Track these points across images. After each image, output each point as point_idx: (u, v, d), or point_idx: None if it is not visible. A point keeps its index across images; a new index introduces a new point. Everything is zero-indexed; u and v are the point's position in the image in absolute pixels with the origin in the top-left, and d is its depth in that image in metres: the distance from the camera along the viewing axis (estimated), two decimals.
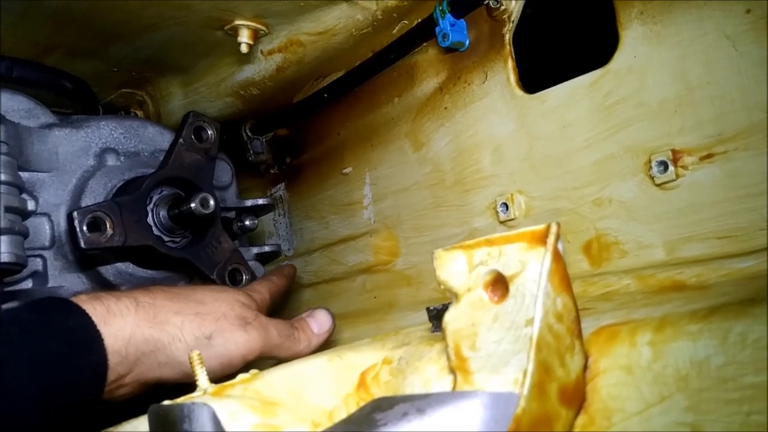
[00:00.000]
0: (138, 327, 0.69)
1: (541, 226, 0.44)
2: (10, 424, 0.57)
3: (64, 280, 0.85)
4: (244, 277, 0.96)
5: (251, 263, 1.01)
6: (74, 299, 0.68)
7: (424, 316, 0.64)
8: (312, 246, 1.13)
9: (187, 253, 0.90)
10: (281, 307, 1.08)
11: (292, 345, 0.81)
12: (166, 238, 0.89)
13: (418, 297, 0.94)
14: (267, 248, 1.08)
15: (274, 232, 1.20)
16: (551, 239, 0.43)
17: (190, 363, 0.56)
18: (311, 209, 1.13)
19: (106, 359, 0.65)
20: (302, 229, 1.15)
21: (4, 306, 0.74)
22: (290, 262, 1.16)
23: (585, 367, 0.44)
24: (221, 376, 0.72)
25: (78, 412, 0.63)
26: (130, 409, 0.61)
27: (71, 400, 0.62)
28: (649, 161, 0.68)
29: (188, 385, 0.56)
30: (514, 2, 0.81)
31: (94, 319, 0.66)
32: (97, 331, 0.65)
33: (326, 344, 0.92)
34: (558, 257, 0.43)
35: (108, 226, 0.80)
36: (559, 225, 0.43)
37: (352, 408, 0.54)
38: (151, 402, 0.48)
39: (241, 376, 0.56)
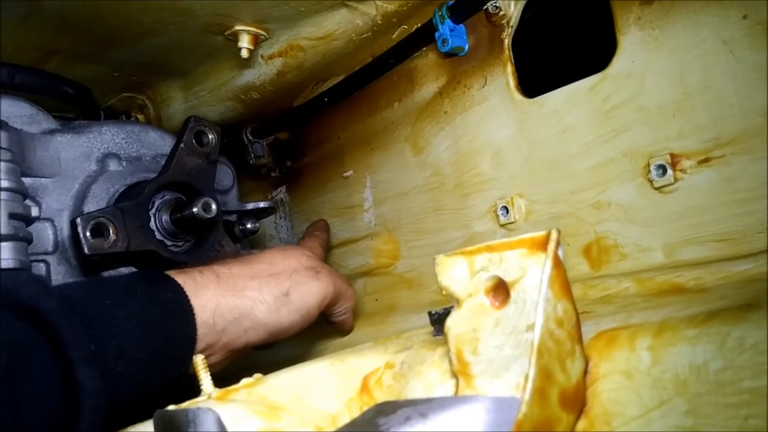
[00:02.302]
0: (222, 297, 0.72)
1: (542, 233, 0.44)
2: (126, 387, 0.60)
3: None
4: None
5: None
6: (168, 273, 0.72)
7: (426, 318, 0.65)
8: None
9: (190, 257, 0.90)
10: None
11: (352, 293, 0.89)
12: (168, 243, 0.90)
13: (419, 300, 0.95)
14: None
15: (275, 235, 1.21)
16: (551, 246, 0.43)
17: (195, 368, 0.57)
18: (312, 212, 1.13)
19: (196, 330, 0.69)
20: (303, 232, 1.15)
21: (106, 273, 0.85)
22: None
23: (585, 372, 0.45)
24: (304, 326, 0.80)
25: (172, 382, 0.66)
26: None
27: (168, 369, 0.66)
28: (648, 165, 0.69)
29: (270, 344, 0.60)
30: (512, 7, 0.82)
31: (186, 291, 0.70)
32: (190, 303, 0.69)
33: (328, 348, 0.93)
34: (558, 263, 0.43)
35: (111, 231, 0.81)
36: (559, 231, 0.44)
37: (356, 412, 0.55)
38: (155, 407, 0.49)
39: (245, 381, 0.57)
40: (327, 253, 1.04)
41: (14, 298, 0.57)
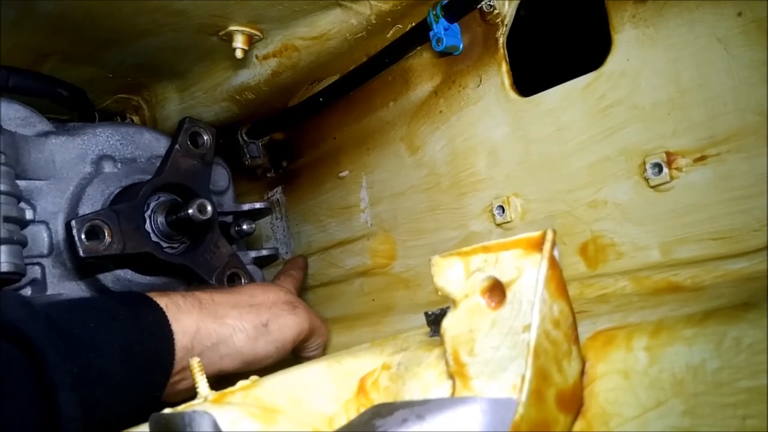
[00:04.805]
0: (203, 323, 0.74)
1: (537, 233, 0.44)
2: (103, 412, 0.61)
3: (62, 287, 0.85)
4: (243, 281, 0.97)
5: (249, 267, 1.02)
6: (149, 295, 0.73)
7: (422, 318, 0.65)
8: (309, 249, 1.13)
9: (186, 259, 0.90)
10: None
11: (326, 329, 0.90)
12: (164, 245, 0.89)
13: (415, 300, 0.94)
14: (265, 252, 1.09)
15: (271, 236, 1.21)
16: (547, 246, 0.43)
17: (191, 370, 0.57)
18: (308, 213, 1.13)
19: (174, 354, 0.70)
20: (299, 232, 1.15)
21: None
22: None
23: (582, 372, 0.45)
24: (277, 359, 0.80)
25: (145, 405, 0.66)
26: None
27: (142, 392, 0.67)
28: (644, 163, 0.69)
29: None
30: (507, 6, 0.81)
31: (167, 315, 0.71)
32: (170, 327, 0.70)
33: (325, 349, 0.93)
34: (554, 264, 0.43)
35: (106, 234, 0.80)
36: (555, 232, 0.43)
37: (352, 414, 0.55)
38: (152, 411, 0.49)
39: (240, 383, 0.56)
40: (301, 292, 1.05)
41: None
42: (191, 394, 0.73)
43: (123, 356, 0.64)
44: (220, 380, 0.66)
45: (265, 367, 0.78)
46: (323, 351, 0.92)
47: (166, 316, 0.70)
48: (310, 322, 0.84)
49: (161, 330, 0.69)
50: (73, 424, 0.55)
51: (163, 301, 0.72)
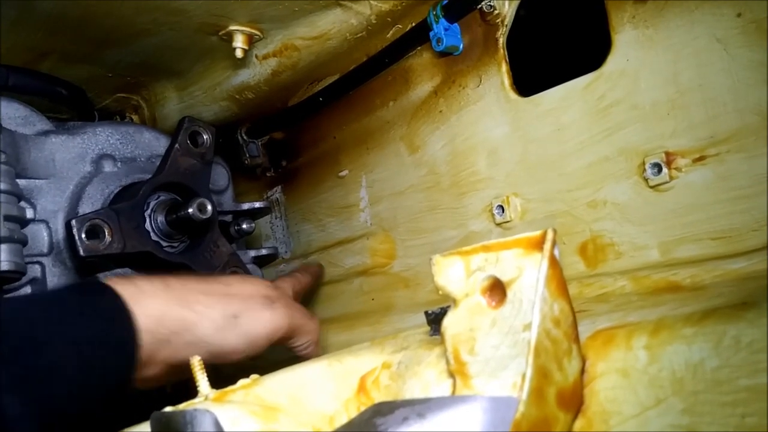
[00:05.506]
0: (168, 306, 0.70)
1: (538, 232, 0.44)
2: (60, 406, 0.59)
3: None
4: None
5: (249, 266, 1.02)
6: (107, 281, 0.69)
7: (422, 318, 0.65)
8: (309, 249, 1.13)
9: (186, 258, 0.90)
10: None
11: (313, 327, 0.85)
12: (164, 244, 0.90)
13: (415, 299, 0.95)
14: (264, 251, 1.09)
15: (271, 235, 1.21)
16: (548, 245, 0.43)
17: (191, 369, 0.57)
18: (308, 212, 1.13)
19: (136, 334, 0.66)
20: (299, 231, 1.15)
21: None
22: (287, 264, 1.16)
23: (582, 371, 0.45)
24: (249, 355, 0.76)
25: (114, 393, 0.64)
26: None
27: (108, 380, 0.64)
28: (643, 163, 0.69)
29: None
30: (507, 6, 0.82)
31: (125, 298, 0.67)
32: (128, 309, 0.66)
33: (325, 348, 0.93)
34: (554, 263, 0.43)
35: (106, 233, 0.80)
36: (555, 231, 0.44)
37: (353, 412, 0.55)
38: (153, 409, 0.49)
39: (241, 382, 0.57)
40: (303, 297, 1.00)
41: None
42: (164, 381, 0.72)
43: (76, 346, 0.61)
44: (220, 379, 0.65)
45: (257, 366, 0.77)
46: (317, 349, 0.88)
47: (122, 300, 0.66)
48: (290, 320, 0.80)
49: (118, 314, 0.66)
50: (18, 424, 0.54)
51: (121, 285, 0.68)
